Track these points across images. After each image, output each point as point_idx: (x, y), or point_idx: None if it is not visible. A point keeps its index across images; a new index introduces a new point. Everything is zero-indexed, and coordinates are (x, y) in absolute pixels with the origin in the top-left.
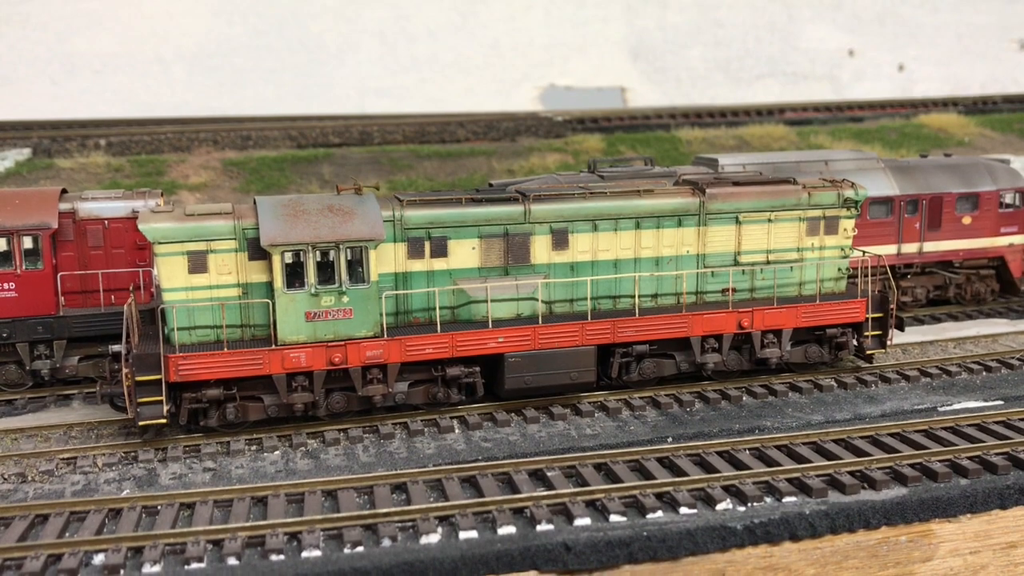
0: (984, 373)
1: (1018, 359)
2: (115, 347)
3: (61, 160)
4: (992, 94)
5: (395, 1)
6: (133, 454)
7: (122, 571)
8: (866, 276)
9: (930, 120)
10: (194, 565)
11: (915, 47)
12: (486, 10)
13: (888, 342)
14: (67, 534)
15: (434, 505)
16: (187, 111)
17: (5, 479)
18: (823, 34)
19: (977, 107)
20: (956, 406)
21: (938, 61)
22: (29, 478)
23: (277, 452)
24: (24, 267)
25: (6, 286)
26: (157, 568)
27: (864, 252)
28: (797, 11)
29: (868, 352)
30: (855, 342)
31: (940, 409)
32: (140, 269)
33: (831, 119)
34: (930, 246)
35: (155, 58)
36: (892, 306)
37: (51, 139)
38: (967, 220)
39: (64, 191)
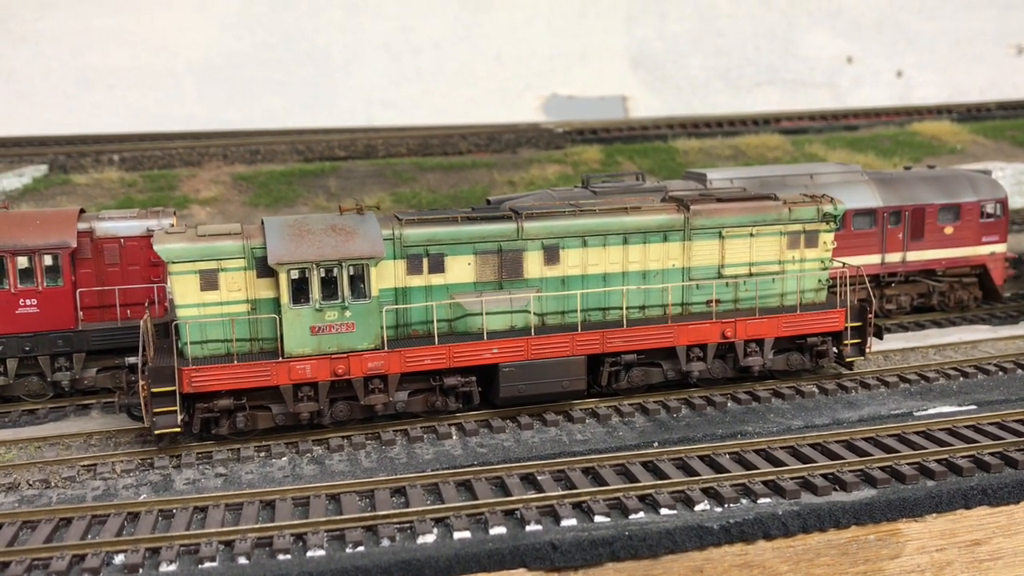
0: (961, 379)
1: (995, 364)
2: (131, 359)
3: (76, 176)
4: (987, 101)
5: (400, 14)
6: (149, 461)
7: (141, 570)
8: (846, 286)
9: (923, 128)
10: (207, 564)
11: (913, 54)
12: (489, 21)
13: (867, 350)
14: (89, 536)
15: (430, 507)
16: (197, 124)
17: (30, 485)
18: (822, 42)
19: (971, 114)
20: (931, 411)
21: (936, 67)
22: (52, 484)
23: (284, 458)
24: (45, 284)
25: (28, 302)
26: (173, 567)
27: (844, 263)
28: (796, 19)
29: (848, 359)
30: (835, 350)
31: (916, 414)
32: (155, 285)
33: (826, 127)
34: (913, 255)
35: (166, 72)
36: (870, 315)
37: (66, 155)
38: (949, 230)
39: (82, 211)
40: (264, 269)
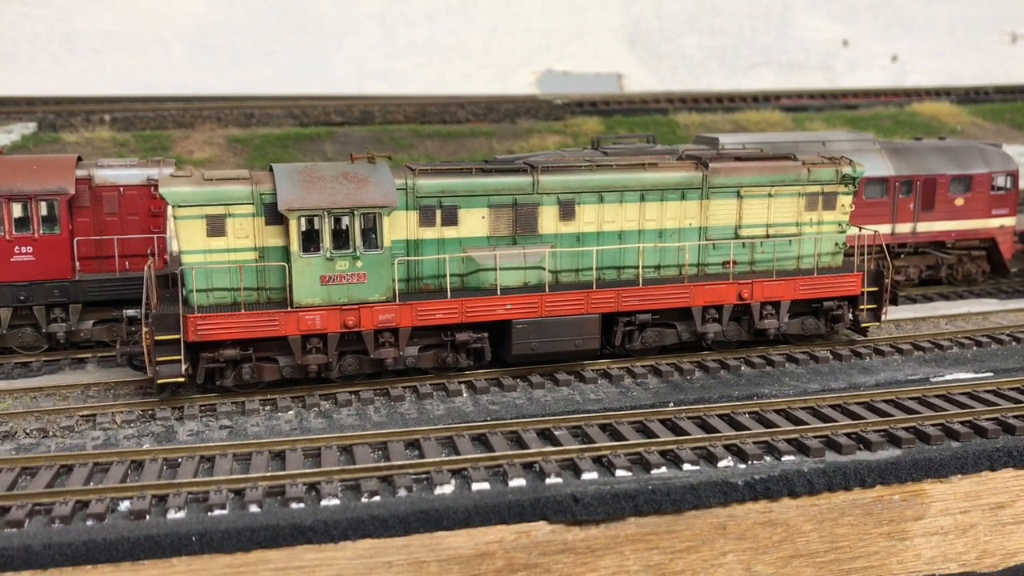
0: (975, 347)
1: (1008, 335)
2: (130, 311)
3: (67, 134)
4: (985, 84)
5: None
6: (151, 412)
7: (147, 516)
8: (862, 252)
9: (923, 108)
10: (217, 512)
11: (909, 38)
12: None
13: (883, 315)
14: (91, 483)
15: (447, 459)
16: (186, 91)
17: (27, 434)
18: (818, 24)
19: (969, 97)
20: (948, 377)
21: (931, 53)
22: (51, 433)
23: (291, 412)
24: (41, 231)
25: (24, 250)
26: (181, 515)
27: (861, 228)
28: (792, 1)
29: (863, 325)
30: (851, 315)
31: (932, 379)
32: (154, 235)
33: (826, 106)
34: (923, 226)
35: (155, 38)
36: (887, 280)
37: (56, 114)
38: (960, 202)
39: (80, 158)
40: (273, 216)
